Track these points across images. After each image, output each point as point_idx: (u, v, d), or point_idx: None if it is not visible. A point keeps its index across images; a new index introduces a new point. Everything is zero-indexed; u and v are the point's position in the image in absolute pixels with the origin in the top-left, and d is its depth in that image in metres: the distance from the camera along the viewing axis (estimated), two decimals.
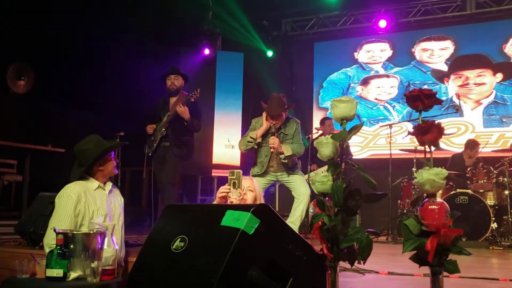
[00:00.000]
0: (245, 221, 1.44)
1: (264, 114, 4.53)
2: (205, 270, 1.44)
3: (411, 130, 1.56)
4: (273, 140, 4.36)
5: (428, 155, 1.51)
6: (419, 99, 1.56)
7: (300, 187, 4.45)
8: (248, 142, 4.53)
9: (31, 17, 6.40)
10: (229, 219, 1.50)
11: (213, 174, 8.03)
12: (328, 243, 1.47)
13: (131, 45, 7.14)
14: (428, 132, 1.50)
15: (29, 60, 6.79)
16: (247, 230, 1.43)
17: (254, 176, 4.47)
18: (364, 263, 1.44)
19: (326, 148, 1.51)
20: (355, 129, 1.55)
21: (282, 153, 4.38)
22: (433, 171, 1.44)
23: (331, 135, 1.52)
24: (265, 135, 4.50)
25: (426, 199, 1.45)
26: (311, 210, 1.40)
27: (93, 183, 2.85)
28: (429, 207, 1.42)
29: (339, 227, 1.46)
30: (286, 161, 4.42)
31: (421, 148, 1.60)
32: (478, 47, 7.89)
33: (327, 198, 1.51)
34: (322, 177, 1.48)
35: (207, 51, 8.34)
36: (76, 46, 6.80)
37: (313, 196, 4.74)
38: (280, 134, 4.49)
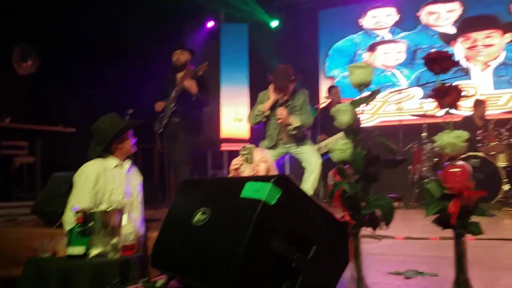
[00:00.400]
0: (267, 192, 1.43)
1: (271, 87, 4.50)
2: (228, 242, 1.45)
3: (425, 95, 1.55)
4: (281, 112, 4.33)
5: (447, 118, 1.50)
6: (437, 62, 1.53)
7: (310, 157, 4.44)
8: (257, 115, 4.51)
9: None
10: (250, 191, 1.50)
11: (222, 148, 8.04)
12: (349, 211, 1.47)
13: (135, 22, 7.06)
14: (447, 95, 1.47)
15: (34, 41, 6.75)
16: (269, 201, 1.43)
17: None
18: (387, 227, 1.44)
19: (344, 115, 1.50)
20: (373, 95, 1.53)
21: (291, 125, 4.36)
22: (454, 134, 1.43)
23: (350, 101, 1.50)
24: (273, 108, 4.47)
25: (447, 162, 1.44)
26: (330, 179, 1.41)
27: (111, 162, 2.87)
28: (450, 170, 1.41)
29: (360, 194, 1.45)
30: (295, 132, 4.40)
31: (431, 112, 1.58)
32: (486, 8, 7.73)
33: (346, 166, 1.50)
34: (341, 145, 1.47)
35: (210, 24, 8.23)
36: (80, 24, 6.73)
37: (324, 165, 4.76)
38: (288, 106, 4.46)
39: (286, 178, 1.53)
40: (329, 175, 1.54)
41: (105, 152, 2.87)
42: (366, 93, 1.55)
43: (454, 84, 1.52)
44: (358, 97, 1.53)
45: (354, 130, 1.49)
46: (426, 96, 7.31)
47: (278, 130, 4.46)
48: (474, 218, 1.42)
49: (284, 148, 4.55)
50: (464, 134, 1.41)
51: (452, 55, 1.53)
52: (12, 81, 6.65)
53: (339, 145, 1.47)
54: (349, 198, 1.45)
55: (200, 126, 4.84)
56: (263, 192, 1.45)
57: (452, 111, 1.51)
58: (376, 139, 1.53)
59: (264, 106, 4.47)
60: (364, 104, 1.53)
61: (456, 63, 1.59)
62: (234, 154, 3.18)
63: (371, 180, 1.47)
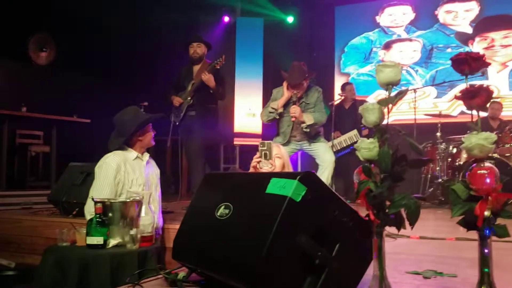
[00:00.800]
0: (292, 189, 1.44)
1: (284, 84, 4.49)
2: (253, 237, 1.45)
3: (440, 95, 1.53)
4: (295, 109, 4.32)
5: (475, 119, 1.49)
6: (466, 62, 1.52)
7: (324, 154, 4.44)
8: (270, 112, 4.51)
9: None
10: (275, 187, 1.51)
11: (235, 143, 8.06)
12: (374, 209, 1.47)
13: (152, 14, 7.09)
14: (476, 96, 1.46)
15: (50, 31, 6.80)
16: (294, 198, 1.43)
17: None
18: (412, 228, 1.44)
19: (372, 114, 1.49)
20: (401, 94, 1.53)
21: (304, 122, 4.35)
22: (482, 135, 1.42)
23: (378, 100, 1.50)
24: (286, 105, 4.46)
25: (474, 164, 1.43)
26: (355, 177, 1.41)
27: (131, 153, 2.90)
28: (478, 171, 1.40)
29: (386, 194, 1.45)
30: (308, 130, 4.40)
31: (446, 112, 1.57)
32: (504, 8, 7.65)
33: (372, 165, 1.50)
34: (368, 143, 1.46)
35: (226, 19, 8.23)
36: (97, 15, 6.77)
37: (338, 163, 4.76)
38: (301, 103, 4.45)
39: (312, 175, 1.53)
40: (355, 173, 1.53)
41: (125, 143, 2.91)
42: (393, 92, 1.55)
43: (484, 85, 1.50)
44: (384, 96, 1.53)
45: (381, 129, 1.48)
46: (452, 97, 7.27)
47: (292, 127, 4.46)
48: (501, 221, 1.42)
49: (297, 144, 4.56)
50: (493, 136, 1.40)
51: (483, 55, 1.51)
52: (29, 70, 6.72)
53: (365, 143, 1.47)
54: (375, 197, 1.45)
55: (215, 120, 4.86)
56: (289, 189, 1.46)
57: (475, 112, 1.50)
58: (402, 138, 1.53)
59: (277, 104, 4.46)
60: (391, 104, 1.52)
61: (487, 64, 1.57)
62: (246, 148, 3.20)
63: (397, 180, 1.46)
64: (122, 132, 2.90)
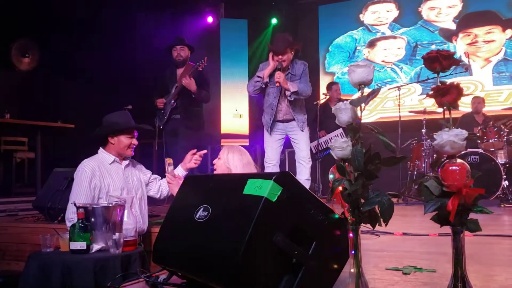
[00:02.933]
0: (268, 189, 1.45)
1: (270, 55, 4.46)
2: (230, 238, 1.47)
3: (424, 91, 1.55)
4: (279, 75, 4.27)
5: (447, 116, 1.51)
6: (437, 60, 1.54)
7: (302, 151, 4.46)
8: (256, 82, 4.45)
9: None
10: (252, 188, 1.52)
11: (222, 144, 8.06)
12: (349, 207, 1.48)
13: (134, 16, 7.07)
14: (447, 93, 1.48)
15: (32, 36, 6.75)
16: (270, 198, 1.45)
17: (267, 134, 4.63)
18: (386, 225, 1.46)
19: (344, 113, 1.51)
20: (373, 94, 1.54)
21: (288, 90, 4.33)
22: (453, 132, 1.44)
23: (349, 100, 1.51)
24: (272, 76, 4.41)
25: (447, 161, 1.46)
26: (330, 176, 1.42)
27: (108, 157, 2.90)
28: (450, 168, 1.42)
29: (360, 191, 1.47)
30: (292, 98, 4.38)
31: (431, 109, 1.60)
32: (486, 4, 7.75)
33: (346, 163, 1.52)
34: (341, 142, 1.48)
35: (210, 19, 8.23)
36: (79, 20, 6.73)
37: (324, 162, 4.76)
38: (287, 74, 4.42)
39: (288, 175, 1.54)
40: (330, 171, 1.55)
41: (103, 147, 2.91)
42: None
43: (455, 82, 1.53)
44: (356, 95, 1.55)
45: (354, 128, 1.50)
46: (425, 94, 7.35)
47: (278, 99, 4.43)
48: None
49: (283, 129, 4.55)
50: (463, 133, 1.42)
51: (453, 53, 1.54)
52: (12, 77, 6.67)
53: (339, 142, 1.49)
54: (349, 195, 1.47)
55: (200, 122, 4.86)
56: (265, 189, 1.47)
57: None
58: (375, 137, 1.55)
59: (263, 73, 4.42)
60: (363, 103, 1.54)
61: (458, 61, 1.60)
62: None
63: (370, 177, 1.48)
64: (99, 130, 2.94)
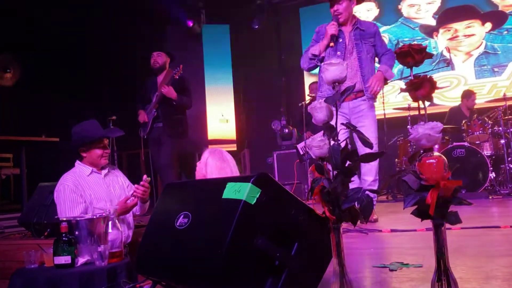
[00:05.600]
0: (247, 192, 1.44)
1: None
2: (211, 244, 1.45)
3: (403, 87, 1.55)
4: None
5: (422, 111, 1.51)
6: (410, 55, 1.55)
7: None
8: (310, 59, 3.70)
9: (9, 5, 6.27)
10: (230, 192, 1.51)
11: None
12: (329, 206, 1.48)
13: (116, 28, 7.03)
14: (420, 87, 1.49)
15: (13, 51, 6.69)
16: (249, 200, 1.44)
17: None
18: (366, 222, 1.45)
19: (320, 112, 1.51)
20: (347, 92, 1.54)
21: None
22: (428, 125, 1.44)
23: (324, 99, 1.51)
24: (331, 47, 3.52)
25: (424, 154, 1.45)
26: (309, 175, 1.42)
27: (85, 169, 2.87)
28: (427, 161, 1.42)
29: (339, 189, 1.46)
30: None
31: (415, 105, 1.60)
32: None
33: (325, 162, 1.51)
34: (318, 141, 1.48)
35: (192, 25, 8.19)
36: (59, 33, 6.69)
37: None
38: (355, 30, 3.59)
39: (266, 177, 1.53)
40: (309, 171, 1.54)
41: (79, 159, 2.88)
42: None
43: (428, 75, 1.53)
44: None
45: (330, 127, 1.49)
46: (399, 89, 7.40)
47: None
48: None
49: (345, 114, 3.62)
50: (438, 125, 1.42)
51: (425, 47, 1.54)
52: None
53: (316, 141, 1.48)
54: (328, 193, 1.46)
55: (184, 129, 4.81)
56: (243, 192, 1.46)
57: (438, 102, 1.52)
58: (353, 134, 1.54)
59: (318, 48, 3.57)
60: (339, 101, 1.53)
61: (431, 55, 1.60)
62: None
63: (349, 175, 1.48)
64: (69, 145, 2.90)
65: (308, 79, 8.50)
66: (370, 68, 3.64)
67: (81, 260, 2.41)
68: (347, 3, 3.53)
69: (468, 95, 6.59)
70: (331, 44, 3.49)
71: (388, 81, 3.58)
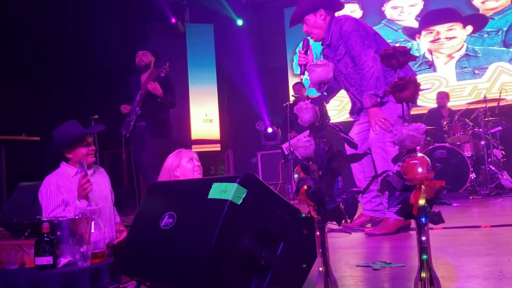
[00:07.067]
0: (233, 192, 1.44)
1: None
2: (196, 244, 1.45)
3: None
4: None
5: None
6: (394, 57, 1.56)
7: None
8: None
9: None
10: (216, 192, 1.51)
11: (192, 150, 8.01)
12: (315, 206, 1.49)
13: (98, 26, 6.95)
14: (405, 89, 1.50)
15: None
16: (235, 201, 1.44)
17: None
18: (351, 221, 1.47)
19: (306, 113, 1.51)
20: (332, 92, 1.55)
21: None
22: (412, 126, 1.46)
23: (310, 100, 1.52)
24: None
25: (407, 155, 1.47)
26: (295, 175, 1.42)
27: (70, 170, 2.83)
28: (410, 162, 1.44)
29: (325, 189, 1.47)
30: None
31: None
32: (446, 1, 7.94)
33: (310, 162, 1.52)
34: (304, 142, 1.48)
35: (175, 24, 8.14)
36: (40, 30, 6.58)
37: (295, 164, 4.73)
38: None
39: (253, 177, 1.53)
40: (295, 171, 1.55)
41: (64, 160, 2.85)
42: None
43: (412, 77, 1.55)
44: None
45: (316, 127, 1.50)
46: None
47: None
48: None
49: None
50: (422, 126, 1.44)
51: (410, 49, 1.56)
52: None
53: (302, 142, 1.49)
54: (314, 193, 1.47)
55: (167, 129, 4.77)
56: (229, 192, 1.46)
57: (418, 103, 1.54)
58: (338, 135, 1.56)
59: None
60: (324, 102, 1.54)
61: (414, 57, 1.62)
62: (204, 155, 3.19)
63: (334, 175, 1.49)
64: (52, 148, 2.86)
65: (292, 80, 8.53)
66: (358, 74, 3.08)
67: (63, 261, 2.38)
68: (313, 18, 3.22)
69: (440, 96, 6.73)
70: (301, 76, 3.21)
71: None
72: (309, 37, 3.23)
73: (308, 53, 3.05)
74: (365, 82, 2.91)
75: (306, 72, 2.96)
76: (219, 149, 8.07)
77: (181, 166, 2.86)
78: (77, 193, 2.63)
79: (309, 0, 3.22)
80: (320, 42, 3.32)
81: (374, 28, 3.43)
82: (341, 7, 3.39)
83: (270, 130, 7.13)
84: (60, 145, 2.81)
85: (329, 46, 3.22)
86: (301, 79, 6.26)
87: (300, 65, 3.08)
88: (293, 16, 3.30)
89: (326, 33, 3.21)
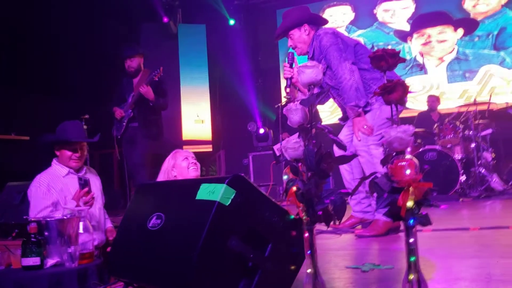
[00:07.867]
0: (221, 193, 1.44)
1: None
2: (184, 245, 1.44)
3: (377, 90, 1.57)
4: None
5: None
6: (383, 59, 1.56)
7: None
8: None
9: None
10: (204, 193, 1.50)
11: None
12: (303, 207, 1.48)
13: (91, 26, 6.91)
14: (393, 91, 1.51)
15: None
16: (224, 202, 1.43)
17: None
18: (339, 223, 1.46)
19: (295, 114, 1.51)
20: (322, 94, 1.55)
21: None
22: (400, 128, 1.46)
23: (300, 101, 1.52)
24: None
25: (395, 157, 1.47)
26: (284, 176, 1.42)
27: (62, 170, 2.81)
28: (399, 164, 1.44)
29: (313, 191, 1.47)
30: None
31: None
32: (438, 5, 7.99)
33: (299, 163, 1.52)
34: (293, 143, 1.48)
35: (167, 21, 8.09)
36: (31, 28, 6.53)
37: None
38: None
39: (242, 178, 1.53)
40: (284, 172, 1.55)
41: (56, 159, 2.83)
42: None
43: (400, 79, 1.55)
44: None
45: (305, 129, 1.50)
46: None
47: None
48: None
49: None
50: (410, 129, 1.44)
51: (399, 52, 1.56)
52: None
53: (291, 143, 1.49)
54: (303, 194, 1.47)
55: (159, 130, 4.75)
56: (217, 193, 1.45)
57: (410, 106, 1.55)
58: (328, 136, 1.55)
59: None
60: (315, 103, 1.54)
61: (403, 59, 1.63)
62: (196, 156, 3.17)
63: (323, 176, 1.49)
64: (45, 140, 2.85)
65: (284, 81, 8.54)
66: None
67: (50, 262, 2.35)
68: (298, 33, 3.28)
69: (430, 99, 6.77)
70: (287, 90, 3.19)
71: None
72: (293, 51, 3.31)
73: (294, 66, 3.14)
74: (345, 94, 2.99)
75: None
76: (210, 150, 8.05)
77: (177, 165, 2.89)
78: (75, 203, 2.62)
79: (294, 15, 3.31)
80: (306, 56, 3.38)
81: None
82: (325, 22, 3.43)
83: (262, 131, 7.13)
84: (50, 140, 2.81)
85: (313, 60, 3.27)
86: (287, 92, 6.31)
87: (286, 78, 3.17)
88: (278, 30, 3.41)
89: (309, 47, 3.30)
